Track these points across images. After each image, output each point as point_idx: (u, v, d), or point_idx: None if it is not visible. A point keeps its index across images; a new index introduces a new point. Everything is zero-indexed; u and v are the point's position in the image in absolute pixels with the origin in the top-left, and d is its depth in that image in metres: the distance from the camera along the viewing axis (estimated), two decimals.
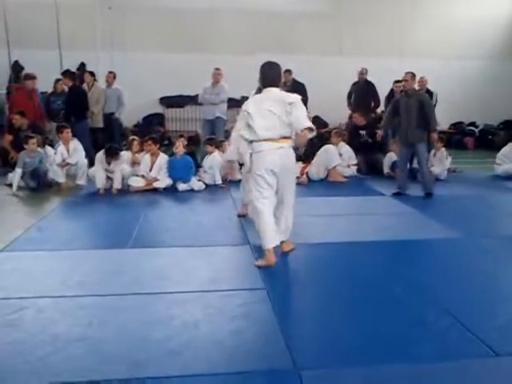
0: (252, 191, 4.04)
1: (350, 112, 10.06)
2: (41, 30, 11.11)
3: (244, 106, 4.03)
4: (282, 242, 4.19)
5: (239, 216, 5.45)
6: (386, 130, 6.97)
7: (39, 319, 3.06)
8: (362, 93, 9.84)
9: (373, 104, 9.77)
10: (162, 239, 4.70)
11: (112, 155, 6.81)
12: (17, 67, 11.05)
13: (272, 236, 3.96)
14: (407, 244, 4.67)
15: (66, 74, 8.76)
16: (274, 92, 3.93)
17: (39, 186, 6.83)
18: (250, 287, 3.58)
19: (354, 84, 10.05)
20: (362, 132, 8.72)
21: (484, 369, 2.63)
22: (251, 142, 3.97)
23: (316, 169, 7.86)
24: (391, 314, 3.17)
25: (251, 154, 4.01)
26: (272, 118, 3.86)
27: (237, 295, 3.43)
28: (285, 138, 3.93)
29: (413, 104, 6.64)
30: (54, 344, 2.75)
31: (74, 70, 11.52)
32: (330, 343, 2.82)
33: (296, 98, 3.92)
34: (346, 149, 8.27)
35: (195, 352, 2.70)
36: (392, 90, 9.68)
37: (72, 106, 8.35)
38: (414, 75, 6.86)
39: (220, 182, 7.16)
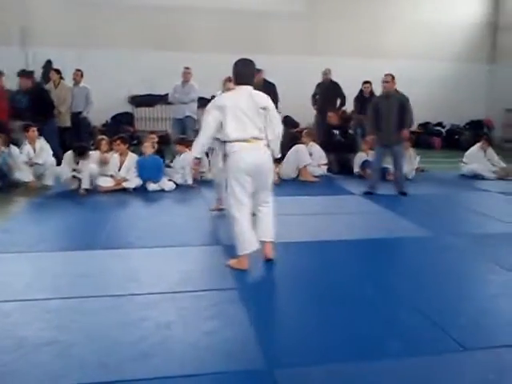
0: (228, 197, 3.94)
1: (315, 112, 10.14)
2: (6, 24, 10.82)
3: (217, 102, 3.89)
4: (266, 243, 4.10)
5: (214, 210, 5.43)
6: (372, 132, 6.92)
7: (5, 324, 2.96)
8: (328, 93, 9.92)
9: (339, 104, 9.85)
10: (131, 240, 4.63)
11: (81, 154, 6.68)
12: None
13: (249, 242, 3.86)
14: (378, 242, 4.73)
15: (24, 74, 8.53)
16: (247, 91, 3.86)
17: (3, 185, 6.64)
18: (220, 287, 3.56)
19: (319, 85, 10.12)
20: (335, 131, 8.79)
21: (453, 363, 2.68)
22: (224, 142, 3.92)
23: (287, 168, 7.89)
24: (362, 313, 3.20)
25: (225, 155, 3.95)
26: (244, 118, 3.79)
27: (208, 296, 3.41)
28: (257, 138, 3.85)
29: (394, 105, 6.69)
30: (21, 349, 2.67)
31: (39, 67, 11.38)
32: (302, 342, 2.83)
33: (268, 102, 3.88)
34: (317, 148, 8.34)
35: (168, 354, 2.67)
36: (361, 90, 9.81)
37: (37, 107, 8.14)
38: (393, 77, 6.86)
39: (191, 181, 7.11)
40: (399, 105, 6.69)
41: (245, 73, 3.90)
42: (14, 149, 7.04)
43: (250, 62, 3.94)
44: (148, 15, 12.17)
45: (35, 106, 8.14)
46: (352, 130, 9.60)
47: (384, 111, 6.74)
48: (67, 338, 2.81)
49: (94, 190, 6.71)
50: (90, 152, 6.99)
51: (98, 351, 2.68)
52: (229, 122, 3.78)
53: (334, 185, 7.69)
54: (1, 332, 2.86)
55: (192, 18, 12.34)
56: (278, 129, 3.94)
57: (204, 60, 10.81)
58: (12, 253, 4.21)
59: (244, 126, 3.79)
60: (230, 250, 4.20)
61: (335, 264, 4.11)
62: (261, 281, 3.78)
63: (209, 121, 3.83)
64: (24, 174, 6.83)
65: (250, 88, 3.87)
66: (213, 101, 3.97)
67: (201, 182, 7.32)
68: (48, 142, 7.14)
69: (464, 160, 8.79)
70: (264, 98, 3.89)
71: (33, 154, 6.92)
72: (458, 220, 5.80)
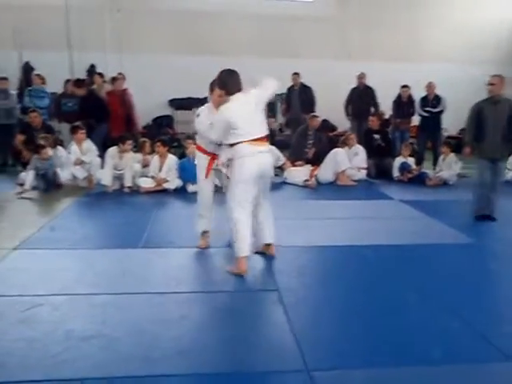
0: (231, 200, 3.88)
1: (350, 117, 10.09)
2: (51, 31, 11.18)
3: (224, 115, 3.84)
4: (268, 245, 4.21)
5: None
6: (469, 142, 5.80)
7: (53, 316, 3.09)
8: (361, 98, 9.86)
9: (372, 109, 9.78)
10: (172, 240, 4.72)
11: (124, 141, 6.92)
12: (27, 68, 11.13)
13: (248, 245, 3.87)
14: (418, 248, 4.66)
15: (77, 83, 8.80)
16: (248, 94, 3.93)
17: (49, 188, 6.85)
18: (261, 288, 3.60)
19: (354, 89, 10.07)
20: (376, 136, 8.73)
21: (495, 372, 2.64)
22: (231, 145, 3.89)
23: (324, 172, 7.89)
24: (403, 318, 3.17)
25: (230, 160, 3.93)
26: (253, 122, 3.87)
27: (249, 296, 3.46)
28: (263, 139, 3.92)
29: (503, 112, 5.62)
30: (68, 341, 2.78)
31: (83, 71, 11.72)
32: (342, 345, 2.83)
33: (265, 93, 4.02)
34: (362, 150, 8.30)
35: (205, 352, 2.72)
36: (399, 94, 9.71)
37: (90, 113, 8.40)
38: (502, 78, 5.79)
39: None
40: (510, 112, 5.61)
41: (237, 81, 3.96)
42: (60, 150, 7.29)
43: (234, 70, 4.03)
44: (186, 20, 12.34)
45: (88, 110, 8.39)
46: (390, 134, 9.52)
47: (490, 119, 5.65)
48: (111, 331, 2.91)
49: (135, 190, 6.88)
50: (132, 153, 7.17)
51: (140, 346, 2.76)
52: (240, 125, 3.82)
53: (373, 189, 7.63)
54: (50, 324, 2.98)
55: (229, 22, 12.45)
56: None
57: (240, 64, 10.89)
58: (59, 249, 4.37)
59: (253, 128, 3.86)
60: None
61: (375, 269, 4.09)
62: (303, 284, 3.78)
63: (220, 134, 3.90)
64: (71, 174, 7.06)
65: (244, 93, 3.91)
66: (227, 111, 3.85)
67: None
68: (95, 143, 7.39)
69: (508, 166, 8.57)
70: (261, 91, 4.00)
71: (79, 155, 7.15)
72: (501, 226, 5.66)
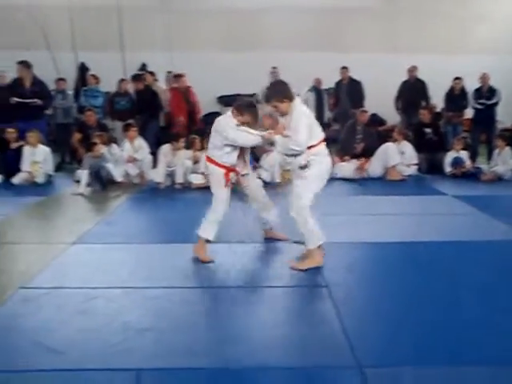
0: (304, 196, 3.93)
1: (400, 111, 9.90)
2: (104, 32, 11.54)
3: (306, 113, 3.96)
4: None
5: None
6: None
7: (110, 309, 3.21)
8: (412, 91, 9.63)
9: (423, 103, 9.54)
10: (224, 234, 4.77)
11: (177, 139, 7.11)
12: (83, 69, 11.53)
13: (320, 235, 3.96)
14: (471, 245, 4.55)
15: (135, 78, 9.03)
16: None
17: (103, 187, 7.05)
18: (311, 284, 3.62)
19: (404, 83, 9.85)
20: (427, 130, 8.53)
21: None
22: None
23: (374, 166, 7.80)
24: (456, 315, 3.11)
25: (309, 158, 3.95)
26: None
27: (299, 292, 3.48)
28: None
29: None
30: (124, 333, 2.89)
31: (135, 70, 12.02)
32: (393, 342, 2.80)
33: None
34: (409, 147, 8.14)
35: (256, 347, 2.76)
36: (452, 87, 9.44)
37: (145, 107, 8.63)
38: None
39: (278, 180, 7.22)
40: None
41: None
42: (114, 147, 7.53)
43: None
44: (234, 18, 12.42)
45: (143, 105, 8.60)
46: (442, 128, 9.28)
47: None
48: (164, 324, 2.99)
49: (186, 187, 7.03)
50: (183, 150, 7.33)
51: (194, 339, 2.82)
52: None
53: (424, 185, 7.47)
54: (107, 316, 3.10)
55: (274, 18, 12.44)
56: None
57: (288, 59, 10.90)
58: (114, 243, 4.53)
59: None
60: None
61: (426, 266, 4.01)
62: (352, 280, 3.77)
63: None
64: (124, 171, 7.30)
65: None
66: (305, 117, 3.91)
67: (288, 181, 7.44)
68: (147, 140, 7.60)
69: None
70: None
71: (132, 152, 7.37)
72: None
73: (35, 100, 7.98)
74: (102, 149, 7.26)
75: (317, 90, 10.05)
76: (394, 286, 3.63)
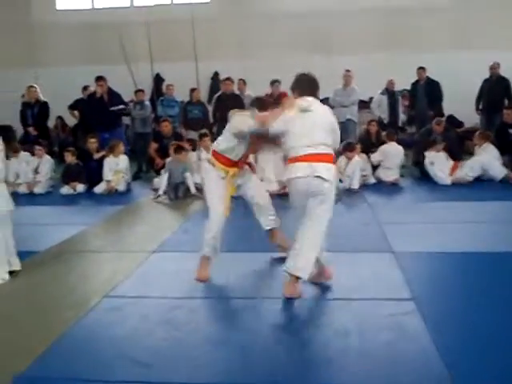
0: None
1: (478, 114, 9.36)
2: (179, 43, 11.84)
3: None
4: None
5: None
6: None
7: (192, 319, 3.20)
8: (494, 90, 9.08)
9: (506, 102, 8.96)
10: None
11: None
12: (158, 79, 11.89)
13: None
14: None
15: (228, 80, 9.10)
16: None
17: (178, 198, 7.06)
18: (396, 297, 3.44)
19: (486, 81, 9.31)
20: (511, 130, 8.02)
21: None
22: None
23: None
24: None
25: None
26: None
27: (385, 305, 3.31)
28: None
29: None
30: (206, 345, 2.86)
31: (208, 79, 12.23)
32: (486, 357, 2.60)
33: None
34: (491, 148, 7.67)
35: (345, 362, 2.64)
36: None
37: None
38: None
39: (356, 186, 7.04)
40: None
41: None
42: (191, 155, 7.64)
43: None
44: (302, 21, 12.32)
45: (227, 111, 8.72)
46: None
47: None
48: (244, 337, 2.94)
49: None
50: None
51: (274, 354, 2.74)
52: None
53: (508, 189, 6.97)
54: (191, 327, 3.09)
55: (345, 20, 12.21)
56: None
57: (362, 61, 10.66)
58: (193, 252, 4.49)
59: None
60: (403, 258, 4.08)
61: None
62: (439, 292, 3.57)
63: None
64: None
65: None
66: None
67: (364, 186, 7.26)
68: None
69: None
70: None
71: None
72: None
73: (121, 107, 8.28)
74: (183, 157, 7.31)
75: (389, 92, 9.71)
76: (486, 299, 3.37)
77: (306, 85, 3.66)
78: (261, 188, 4.33)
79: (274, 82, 9.03)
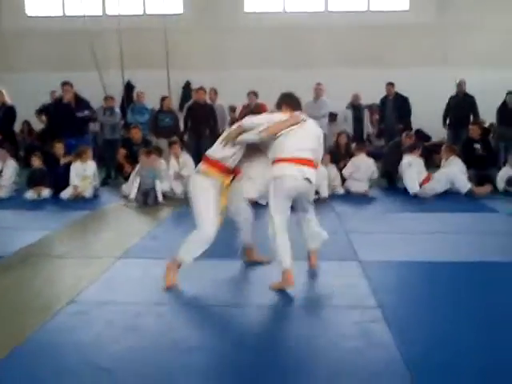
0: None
1: (447, 127, 9.64)
2: (151, 51, 11.80)
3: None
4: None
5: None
6: None
7: (159, 326, 3.16)
8: (461, 106, 9.37)
9: (472, 118, 9.25)
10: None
11: None
12: (129, 87, 11.80)
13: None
14: None
15: (201, 89, 9.12)
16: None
17: (147, 204, 7.00)
18: (362, 305, 3.47)
19: (452, 98, 9.60)
20: (477, 145, 8.26)
21: None
22: None
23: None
24: None
25: None
26: None
27: (349, 313, 3.33)
28: None
29: None
30: (175, 351, 2.82)
31: (179, 88, 12.21)
32: (454, 367, 2.63)
33: None
34: (457, 162, 7.87)
35: (310, 369, 2.64)
36: (504, 101, 9.14)
37: (205, 120, 8.82)
38: None
39: (325, 194, 7.11)
40: None
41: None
42: (162, 163, 7.59)
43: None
44: (274, 35, 12.49)
45: (204, 121, 8.84)
46: (493, 143, 8.97)
47: None
48: (213, 344, 2.91)
49: None
50: None
51: (248, 360, 2.73)
52: None
53: (474, 201, 7.18)
54: (157, 333, 3.05)
55: (318, 35, 12.45)
56: None
57: (331, 75, 10.83)
58: (160, 259, 4.44)
59: None
60: (370, 267, 4.13)
61: (486, 286, 3.82)
62: (406, 300, 3.62)
63: None
64: (169, 187, 7.33)
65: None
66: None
67: (332, 196, 7.35)
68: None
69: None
70: None
71: (177, 168, 7.41)
72: None
73: (87, 113, 8.15)
74: (153, 161, 7.27)
75: (354, 106, 9.92)
76: (452, 308, 3.44)
77: (297, 101, 3.99)
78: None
79: (250, 93, 9.06)
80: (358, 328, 3.10)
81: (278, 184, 3.69)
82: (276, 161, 3.75)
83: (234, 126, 3.96)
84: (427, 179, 7.56)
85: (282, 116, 3.85)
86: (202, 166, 3.95)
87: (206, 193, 3.81)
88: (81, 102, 8.23)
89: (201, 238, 3.80)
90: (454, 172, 7.60)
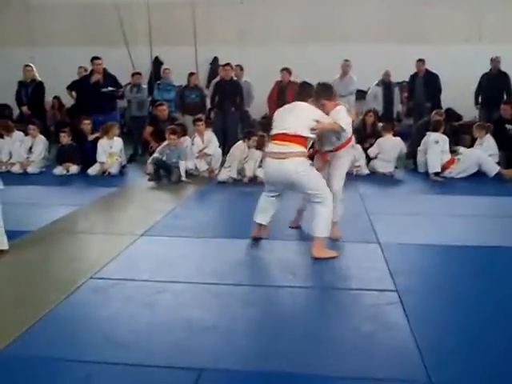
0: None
1: (477, 108, 9.33)
2: (179, 27, 11.73)
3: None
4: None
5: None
6: None
7: (175, 304, 3.22)
8: (494, 84, 9.04)
9: (505, 97, 8.92)
10: (290, 233, 4.71)
11: (249, 137, 7.12)
12: (157, 63, 11.81)
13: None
14: None
15: (227, 65, 9.07)
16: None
17: (170, 180, 7.08)
18: (379, 288, 3.46)
19: (485, 75, 9.25)
20: (509, 126, 7.99)
21: None
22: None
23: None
24: None
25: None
26: None
27: (366, 295, 3.34)
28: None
29: None
30: (188, 329, 2.87)
31: (207, 64, 12.15)
32: (466, 354, 2.60)
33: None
34: (491, 143, 7.66)
35: (319, 352, 2.65)
36: None
37: (231, 97, 8.85)
38: None
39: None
40: None
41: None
42: (186, 139, 7.63)
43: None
44: (303, 8, 12.21)
45: (233, 96, 8.87)
46: None
47: None
48: (228, 323, 2.95)
49: (253, 180, 6.98)
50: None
51: (258, 341, 2.77)
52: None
53: (501, 185, 6.97)
54: (173, 311, 3.12)
55: (347, 9, 12.08)
56: None
57: (361, 51, 10.57)
58: (182, 237, 4.56)
59: None
60: (389, 249, 4.10)
61: (507, 273, 3.74)
62: (424, 284, 3.57)
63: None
64: (193, 165, 7.38)
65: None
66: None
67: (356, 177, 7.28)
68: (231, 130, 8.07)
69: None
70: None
71: (202, 146, 7.44)
72: None
73: (111, 89, 8.22)
74: (177, 141, 7.30)
75: (385, 83, 9.65)
76: (470, 294, 3.39)
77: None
78: None
79: (283, 70, 8.97)
80: (373, 311, 3.11)
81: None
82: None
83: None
84: (451, 161, 7.38)
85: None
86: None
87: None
88: (108, 78, 8.30)
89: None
90: (482, 155, 7.40)
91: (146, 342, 2.75)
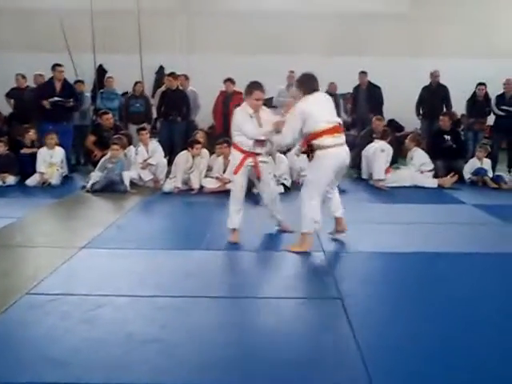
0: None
1: (421, 117, 9.71)
2: (124, 35, 11.56)
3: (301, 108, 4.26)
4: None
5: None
6: None
7: (116, 318, 3.12)
8: (434, 97, 9.43)
9: (444, 109, 9.33)
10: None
11: (192, 146, 7.04)
12: (101, 71, 11.57)
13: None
14: (492, 257, 4.38)
15: (172, 75, 8.96)
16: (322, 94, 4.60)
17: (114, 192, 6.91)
18: (323, 296, 3.49)
19: (425, 88, 9.65)
20: (447, 137, 8.34)
21: None
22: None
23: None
24: (480, 334, 2.95)
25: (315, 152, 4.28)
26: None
27: (310, 303, 3.36)
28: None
29: None
30: (128, 344, 2.78)
31: (153, 73, 12.02)
32: (410, 363, 2.64)
33: None
34: (419, 153, 7.97)
35: (261, 361, 2.64)
36: (474, 92, 9.24)
37: (177, 106, 8.72)
38: None
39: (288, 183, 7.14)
40: None
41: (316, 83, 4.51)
42: (132, 149, 7.49)
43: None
44: (251, 21, 12.33)
45: (174, 106, 8.74)
46: (462, 135, 9.08)
47: None
48: (170, 336, 2.88)
49: (199, 190, 6.93)
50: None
51: (198, 352, 2.71)
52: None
53: (441, 193, 7.28)
54: (113, 326, 3.02)
55: (294, 21, 12.32)
56: None
57: (307, 63, 10.74)
58: (125, 249, 4.44)
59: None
60: (334, 257, 4.15)
61: (449, 278, 3.86)
62: (366, 291, 3.63)
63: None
64: (137, 175, 7.24)
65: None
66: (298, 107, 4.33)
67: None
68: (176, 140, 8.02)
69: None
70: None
71: (146, 156, 7.32)
72: None
73: (69, 100, 7.97)
74: (120, 153, 7.17)
75: (330, 95, 9.81)
76: (414, 298, 3.48)
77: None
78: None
79: (227, 81, 8.99)
80: (317, 319, 3.13)
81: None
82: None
83: None
84: (388, 171, 7.64)
85: None
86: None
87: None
88: (68, 89, 8.11)
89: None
90: (417, 176, 7.70)
91: (83, 358, 2.64)
